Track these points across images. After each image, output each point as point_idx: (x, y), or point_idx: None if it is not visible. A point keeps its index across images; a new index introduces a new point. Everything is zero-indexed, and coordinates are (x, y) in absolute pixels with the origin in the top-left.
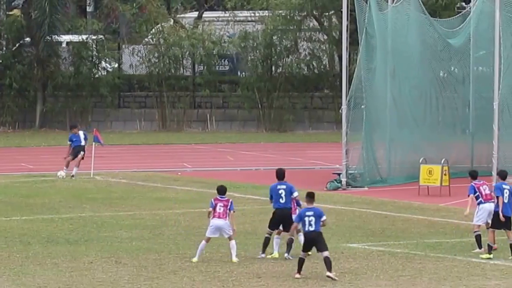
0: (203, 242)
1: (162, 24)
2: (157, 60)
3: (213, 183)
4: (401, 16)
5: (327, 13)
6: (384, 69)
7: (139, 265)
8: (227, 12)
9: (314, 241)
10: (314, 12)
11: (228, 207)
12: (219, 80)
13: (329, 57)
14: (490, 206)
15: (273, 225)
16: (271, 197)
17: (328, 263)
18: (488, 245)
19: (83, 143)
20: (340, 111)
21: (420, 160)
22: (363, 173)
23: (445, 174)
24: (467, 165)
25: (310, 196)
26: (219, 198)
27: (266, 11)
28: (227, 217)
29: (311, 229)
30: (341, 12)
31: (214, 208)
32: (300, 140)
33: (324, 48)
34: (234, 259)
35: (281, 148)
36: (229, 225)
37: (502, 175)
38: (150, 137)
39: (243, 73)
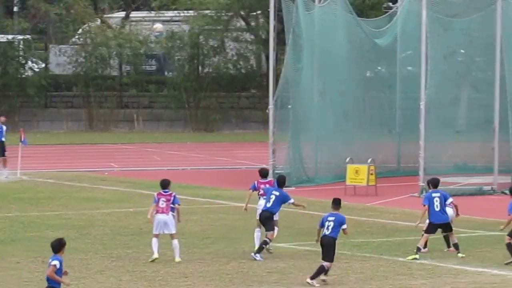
0: (153, 238)
1: (89, 24)
2: (84, 60)
3: (139, 183)
4: (328, 16)
5: (254, 13)
6: (311, 69)
7: (66, 265)
8: (153, 12)
9: (325, 246)
10: (241, 12)
11: (172, 201)
12: (146, 80)
13: (256, 57)
14: None
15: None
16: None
17: (318, 269)
18: (418, 247)
19: (3, 139)
20: (267, 111)
21: (347, 160)
22: (290, 173)
23: (371, 174)
24: (393, 165)
25: (336, 203)
26: (162, 193)
27: (192, 11)
28: (170, 212)
29: (327, 233)
30: (268, 12)
31: (157, 203)
32: (227, 140)
33: (251, 48)
34: (177, 258)
35: (208, 148)
36: (173, 220)
37: (434, 183)
38: (77, 137)
39: (170, 73)
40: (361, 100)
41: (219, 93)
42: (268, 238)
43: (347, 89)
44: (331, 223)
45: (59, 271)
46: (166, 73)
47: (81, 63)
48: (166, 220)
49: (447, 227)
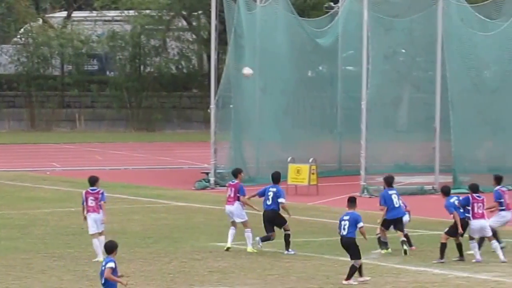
0: (94, 240)
1: (31, 23)
2: (26, 60)
3: (81, 183)
4: (270, 16)
5: (195, 13)
6: (253, 68)
7: (7, 264)
8: (95, 11)
9: (346, 246)
10: (183, 12)
11: (99, 198)
12: (88, 79)
13: (198, 57)
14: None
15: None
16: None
17: (351, 270)
18: (382, 241)
19: None
20: (208, 110)
21: (288, 160)
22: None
23: (313, 173)
24: (334, 164)
25: (351, 201)
26: (90, 191)
27: (134, 11)
28: (100, 210)
29: (344, 233)
30: (210, 11)
31: (86, 203)
32: (169, 139)
33: (193, 47)
34: (100, 258)
35: (150, 147)
36: (102, 218)
37: (388, 181)
38: (19, 136)
39: (112, 73)
40: (303, 100)
41: (160, 92)
42: (286, 231)
43: (288, 89)
44: (346, 223)
45: (114, 272)
46: (108, 73)
47: (23, 62)
48: (97, 218)
49: (399, 222)
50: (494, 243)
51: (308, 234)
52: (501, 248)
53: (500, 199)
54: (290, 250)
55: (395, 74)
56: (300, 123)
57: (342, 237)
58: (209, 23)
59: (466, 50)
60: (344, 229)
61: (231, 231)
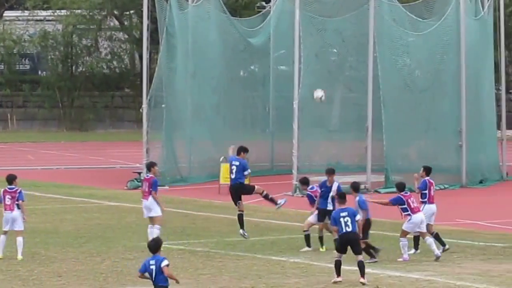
0: (1, 236)
1: None
2: None
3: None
4: (202, 16)
5: (127, 12)
6: (185, 68)
7: None
8: (26, 11)
9: (351, 242)
10: (115, 12)
11: (17, 198)
12: (20, 79)
13: (130, 56)
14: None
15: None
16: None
17: (360, 268)
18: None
19: None
20: (140, 110)
21: (221, 159)
22: (163, 172)
23: None
24: (267, 164)
25: (342, 197)
26: (8, 190)
27: (65, 11)
28: (16, 209)
29: (349, 230)
30: (142, 11)
31: (4, 201)
32: (101, 139)
33: (125, 47)
34: (19, 256)
35: (82, 147)
36: (20, 217)
37: (355, 186)
38: None
39: (44, 73)
40: (235, 99)
41: (93, 92)
42: (264, 193)
43: (220, 89)
44: (348, 218)
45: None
46: (40, 72)
47: None
48: (14, 217)
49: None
50: (428, 239)
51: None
52: (445, 250)
53: (424, 189)
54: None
55: (327, 74)
56: (232, 122)
57: (347, 233)
58: (141, 22)
59: (397, 49)
60: (347, 225)
61: (149, 229)
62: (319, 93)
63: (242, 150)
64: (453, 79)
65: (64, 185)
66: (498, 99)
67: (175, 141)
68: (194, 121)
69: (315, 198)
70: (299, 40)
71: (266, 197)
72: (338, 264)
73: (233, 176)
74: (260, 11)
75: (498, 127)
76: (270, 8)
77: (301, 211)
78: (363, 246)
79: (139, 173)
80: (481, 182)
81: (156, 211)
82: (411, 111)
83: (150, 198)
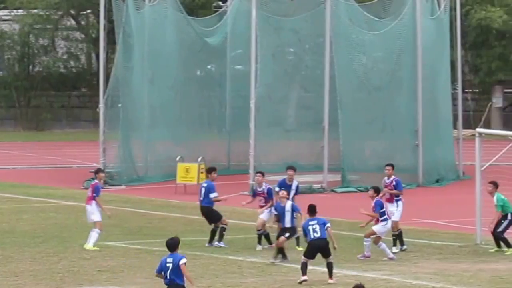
0: None
1: None
2: None
3: None
4: (159, 15)
5: (84, 12)
6: (142, 68)
7: None
8: None
9: (321, 249)
10: (71, 11)
11: None
12: None
13: (86, 56)
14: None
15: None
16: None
17: (329, 268)
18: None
19: None
20: (97, 109)
21: (177, 159)
22: (120, 171)
23: (201, 172)
24: (224, 163)
25: (312, 211)
26: None
27: (22, 10)
28: None
29: (317, 235)
30: (99, 11)
31: None
32: (57, 138)
33: (82, 47)
34: None
35: (39, 147)
36: None
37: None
38: None
39: (0, 72)
40: (192, 99)
41: (49, 92)
42: (223, 225)
43: (177, 88)
44: (316, 226)
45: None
46: None
47: None
48: None
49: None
50: (382, 244)
51: (197, 233)
52: (403, 250)
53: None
54: (221, 242)
55: (284, 73)
56: (189, 122)
57: (315, 239)
58: (98, 22)
59: (354, 49)
60: (315, 231)
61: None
62: None
63: (209, 171)
64: (409, 78)
65: (21, 185)
66: (454, 98)
67: (132, 140)
68: (151, 121)
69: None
70: (256, 39)
71: (219, 233)
72: (304, 265)
73: (201, 198)
74: (217, 11)
75: (455, 126)
76: (226, 7)
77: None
78: None
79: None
80: (437, 181)
81: (97, 217)
82: (368, 111)
83: (93, 203)
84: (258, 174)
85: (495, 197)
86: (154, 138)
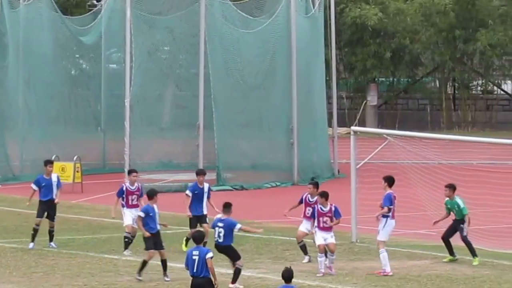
0: None
1: None
2: None
3: None
4: (33, 14)
5: None
6: (16, 67)
7: None
8: None
9: (224, 252)
10: None
11: None
12: None
13: None
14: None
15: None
16: None
17: (236, 273)
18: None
19: None
20: None
21: (53, 157)
22: None
23: (77, 171)
24: (99, 162)
25: (227, 207)
26: None
27: None
28: None
29: (220, 241)
30: None
31: None
32: None
33: None
34: None
35: None
36: None
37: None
38: None
39: None
40: (67, 98)
41: None
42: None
43: (53, 87)
44: (222, 230)
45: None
46: None
47: None
48: None
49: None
50: (322, 256)
51: (73, 232)
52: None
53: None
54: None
55: (159, 72)
56: (65, 120)
57: (218, 244)
58: None
59: (229, 47)
60: (219, 236)
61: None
62: None
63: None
64: (284, 77)
65: None
66: (329, 97)
67: (7, 139)
68: (26, 120)
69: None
70: (130, 38)
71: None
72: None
73: None
74: (91, 10)
75: (330, 124)
76: (101, 6)
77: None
78: None
79: None
80: (312, 179)
81: None
82: (243, 109)
83: None
84: (133, 174)
85: (458, 200)
86: (30, 137)
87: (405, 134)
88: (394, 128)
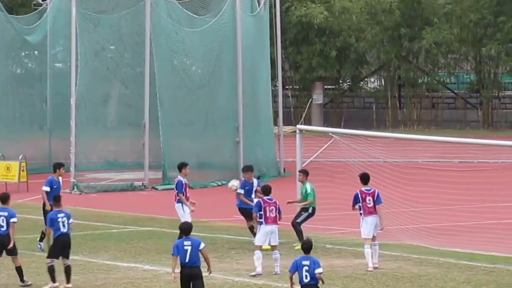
0: None
1: None
2: None
3: None
4: None
5: None
6: None
7: None
8: None
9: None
10: None
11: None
12: None
13: None
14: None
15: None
16: None
17: (68, 273)
18: None
19: None
20: None
21: None
22: None
23: (23, 170)
24: (45, 161)
25: (56, 200)
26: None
27: None
28: None
29: (64, 230)
30: None
31: None
32: None
33: None
34: None
35: None
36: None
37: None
38: None
39: None
40: (12, 97)
41: None
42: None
43: None
44: (65, 219)
45: None
46: None
47: None
48: None
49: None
50: (276, 253)
51: (19, 231)
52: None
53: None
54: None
55: (105, 71)
56: (10, 120)
57: (63, 234)
58: None
59: (174, 46)
60: (64, 226)
61: None
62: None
63: (56, 167)
64: (230, 75)
65: None
66: (275, 95)
67: None
68: None
69: None
70: (76, 37)
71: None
72: (52, 270)
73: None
74: (37, 9)
75: (275, 123)
76: (46, 5)
77: (80, 208)
78: None
79: None
80: (258, 178)
81: None
82: (189, 108)
83: None
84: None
85: (308, 186)
86: None
87: (350, 132)
88: (339, 127)
